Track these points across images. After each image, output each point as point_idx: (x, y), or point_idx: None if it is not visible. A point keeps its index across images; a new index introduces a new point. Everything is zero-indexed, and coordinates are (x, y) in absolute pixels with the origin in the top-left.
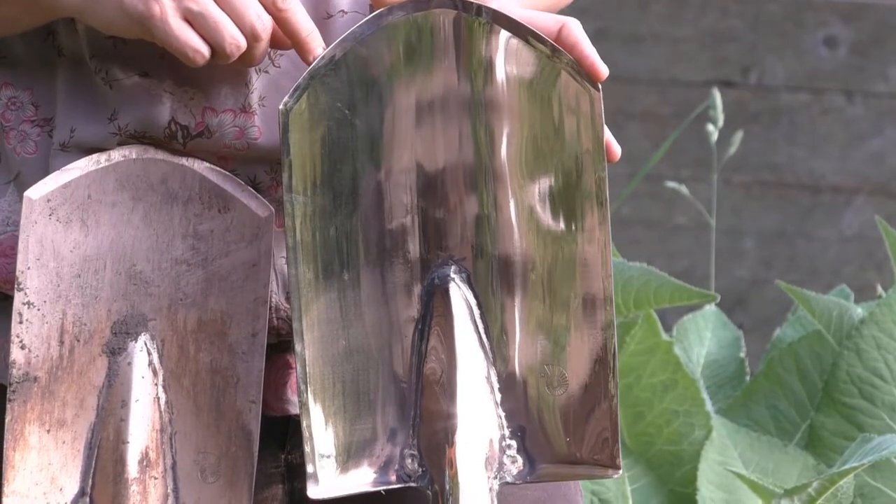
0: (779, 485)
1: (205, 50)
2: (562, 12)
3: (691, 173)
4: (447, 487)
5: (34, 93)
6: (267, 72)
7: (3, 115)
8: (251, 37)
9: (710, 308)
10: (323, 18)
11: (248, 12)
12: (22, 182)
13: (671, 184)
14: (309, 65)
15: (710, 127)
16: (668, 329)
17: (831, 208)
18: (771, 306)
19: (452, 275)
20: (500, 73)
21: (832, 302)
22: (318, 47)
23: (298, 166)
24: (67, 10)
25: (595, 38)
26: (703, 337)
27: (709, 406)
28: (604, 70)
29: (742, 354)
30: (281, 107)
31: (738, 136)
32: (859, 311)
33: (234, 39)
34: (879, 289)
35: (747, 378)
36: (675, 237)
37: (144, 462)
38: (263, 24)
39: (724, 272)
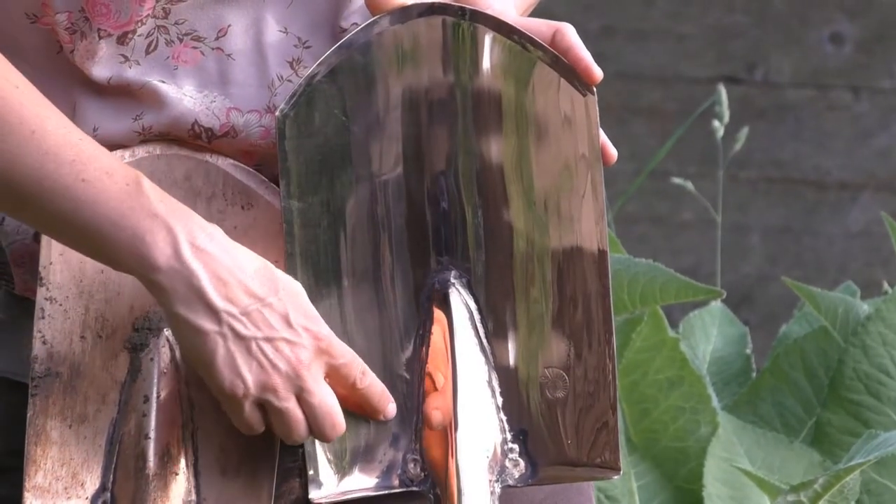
0: (785, 481)
1: (260, 430)
2: (568, 8)
3: (697, 170)
4: (449, 491)
5: (52, 103)
6: (290, 81)
7: None
8: (320, 436)
9: (716, 304)
10: (338, 33)
11: (325, 423)
12: None
13: (677, 180)
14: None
15: (716, 123)
16: (674, 325)
17: (837, 204)
18: (777, 303)
19: (452, 280)
20: (493, 77)
21: (838, 298)
22: (388, 404)
23: (296, 173)
24: (159, 301)
25: (600, 35)
26: (710, 333)
27: (715, 402)
28: (598, 73)
29: (748, 351)
30: (277, 114)
31: (744, 133)
32: (865, 307)
33: (298, 441)
34: (886, 285)
35: (753, 375)
36: (681, 234)
37: (166, 458)
38: (337, 431)
39: (730, 268)
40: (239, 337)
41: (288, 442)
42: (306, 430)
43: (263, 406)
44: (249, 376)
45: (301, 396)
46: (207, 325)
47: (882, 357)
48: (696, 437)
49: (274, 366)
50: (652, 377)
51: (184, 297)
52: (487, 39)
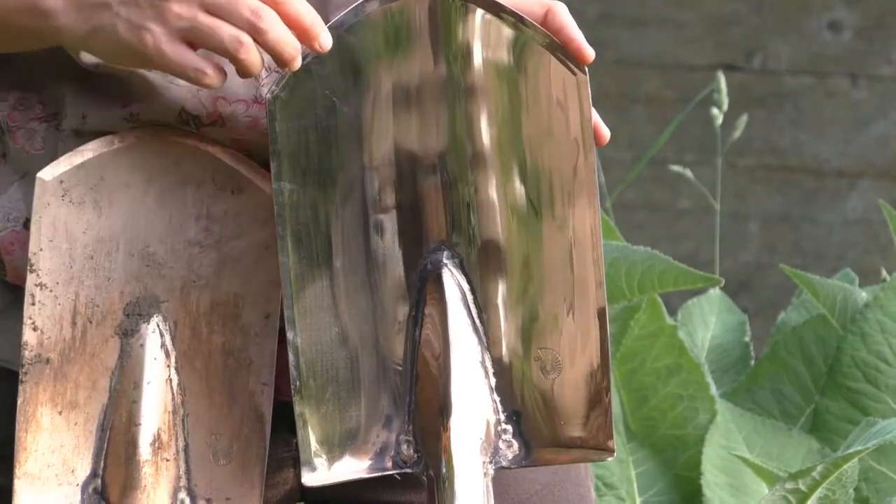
0: (783, 469)
1: (207, 68)
2: None
3: (696, 157)
4: (442, 473)
5: (42, 92)
6: (278, 71)
7: (9, 116)
8: (251, 31)
9: (715, 292)
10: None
11: (240, 8)
12: (30, 180)
13: (675, 168)
14: (314, 51)
15: (715, 111)
16: (672, 313)
17: (836, 192)
18: (775, 290)
19: (445, 260)
20: (484, 57)
21: (836, 286)
22: (321, 31)
23: (286, 155)
24: (66, 42)
25: (599, 22)
26: (708, 321)
27: (713, 390)
28: (590, 53)
29: (747, 338)
30: (268, 95)
31: (743, 120)
32: (864, 295)
33: (233, 38)
34: (884, 273)
35: (752, 362)
36: (680, 221)
37: (156, 444)
38: (259, 15)
39: (729, 256)
40: (125, 3)
41: (226, 48)
42: (229, 26)
43: (187, 39)
44: (150, 23)
45: (203, 4)
46: (104, 16)
47: (880, 345)
48: (694, 425)
49: None
50: (650, 365)
51: (79, 17)
52: (478, 18)
